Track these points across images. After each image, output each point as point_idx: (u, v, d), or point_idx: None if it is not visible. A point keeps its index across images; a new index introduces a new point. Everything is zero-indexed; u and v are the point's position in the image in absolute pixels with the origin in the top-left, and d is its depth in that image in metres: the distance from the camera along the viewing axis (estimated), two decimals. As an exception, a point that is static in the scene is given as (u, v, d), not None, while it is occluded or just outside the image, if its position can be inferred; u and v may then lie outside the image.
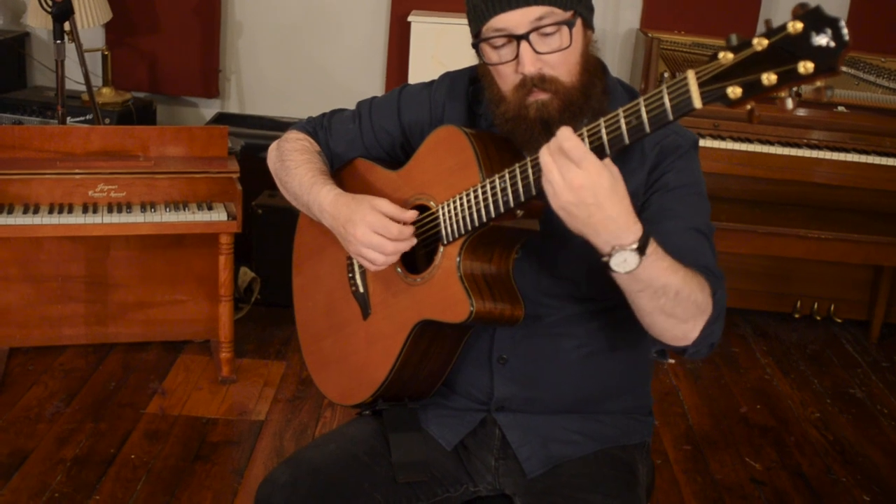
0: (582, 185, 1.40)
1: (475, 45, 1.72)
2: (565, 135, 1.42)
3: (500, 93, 1.70)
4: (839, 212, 4.33)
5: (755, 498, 3.17)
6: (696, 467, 3.31)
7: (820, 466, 3.38)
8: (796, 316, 4.56)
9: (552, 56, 1.63)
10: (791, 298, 4.56)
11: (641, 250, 1.45)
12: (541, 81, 1.63)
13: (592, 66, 1.70)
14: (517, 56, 1.64)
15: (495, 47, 1.67)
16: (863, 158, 4.06)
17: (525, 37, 1.62)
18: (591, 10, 1.71)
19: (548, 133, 1.60)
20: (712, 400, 3.80)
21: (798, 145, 4.08)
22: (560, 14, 1.63)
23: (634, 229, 1.45)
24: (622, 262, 1.46)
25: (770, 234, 4.07)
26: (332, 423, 3.38)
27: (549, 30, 1.62)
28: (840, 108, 4.14)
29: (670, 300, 1.53)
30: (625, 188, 1.44)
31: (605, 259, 1.47)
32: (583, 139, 1.44)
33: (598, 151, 1.43)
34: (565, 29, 1.63)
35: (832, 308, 4.54)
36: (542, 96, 1.64)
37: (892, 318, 4.51)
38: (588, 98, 1.67)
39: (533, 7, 1.61)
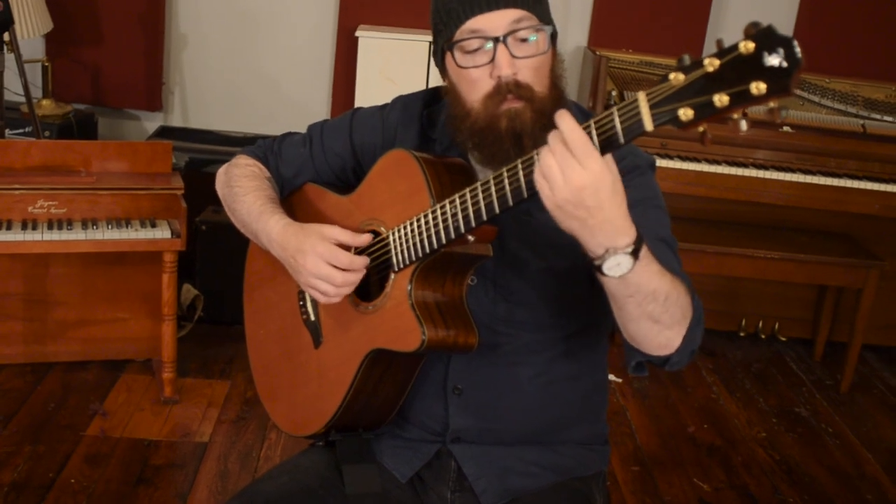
0: (584, 185, 1.29)
1: (442, 53, 1.68)
2: (570, 125, 1.29)
3: (467, 106, 1.65)
4: (785, 231, 4.36)
5: (704, 519, 3.18)
6: (645, 488, 3.29)
7: (767, 486, 3.38)
8: (741, 334, 4.59)
9: (528, 61, 1.60)
10: (736, 317, 4.59)
11: (635, 254, 1.37)
12: (516, 87, 1.59)
13: (560, 86, 1.67)
14: (492, 60, 1.60)
15: (468, 52, 1.62)
16: (808, 179, 4.09)
17: (503, 39, 1.59)
18: (556, 33, 1.68)
19: (518, 146, 1.58)
20: (659, 419, 3.80)
21: (745, 165, 4.10)
22: (536, 21, 1.61)
23: (630, 232, 1.36)
24: (615, 266, 1.37)
25: (718, 254, 4.07)
26: (277, 444, 3.32)
27: (525, 34, 1.60)
28: (786, 129, 4.16)
29: (659, 305, 1.46)
30: (623, 188, 1.34)
31: (596, 262, 1.38)
32: (533, 161, 1.38)
33: None
34: (542, 35, 1.61)
35: (776, 326, 4.58)
36: (515, 104, 1.60)
37: (836, 337, 4.54)
38: None
39: (511, 9, 1.59)
